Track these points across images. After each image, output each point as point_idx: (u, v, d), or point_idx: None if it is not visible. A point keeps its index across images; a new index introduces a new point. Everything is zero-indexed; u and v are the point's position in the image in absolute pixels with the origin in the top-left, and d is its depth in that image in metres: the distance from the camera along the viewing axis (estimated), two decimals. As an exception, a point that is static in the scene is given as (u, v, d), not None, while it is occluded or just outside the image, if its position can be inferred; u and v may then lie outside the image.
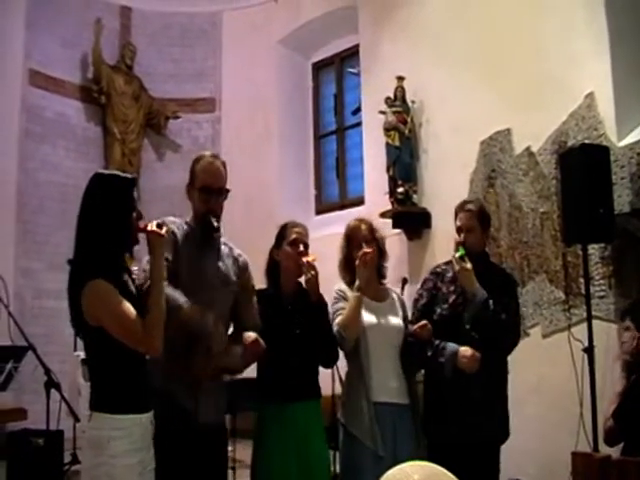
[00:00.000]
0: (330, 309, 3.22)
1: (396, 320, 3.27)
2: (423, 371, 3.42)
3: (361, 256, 3.12)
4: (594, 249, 4.38)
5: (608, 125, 4.43)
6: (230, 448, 3.67)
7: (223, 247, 2.95)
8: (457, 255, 3.21)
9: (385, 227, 5.59)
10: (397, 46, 6.23)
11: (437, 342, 3.15)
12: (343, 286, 3.29)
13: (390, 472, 1.21)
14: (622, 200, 4.28)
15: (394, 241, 5.83)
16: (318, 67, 7.85)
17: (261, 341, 2.80)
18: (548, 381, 4.51)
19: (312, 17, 7.31)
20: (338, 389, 3.39)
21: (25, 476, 4.51)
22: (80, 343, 2.62)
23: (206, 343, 2.54)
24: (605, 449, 3.60)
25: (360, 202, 6.69)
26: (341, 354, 3.24)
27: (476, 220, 3.32)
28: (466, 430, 3.11)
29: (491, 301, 3.15)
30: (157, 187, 7.29)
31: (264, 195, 7.34)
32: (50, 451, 4.61)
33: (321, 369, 3.25)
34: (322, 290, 3.20)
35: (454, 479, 1.18)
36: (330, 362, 3.26)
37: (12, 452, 4.69)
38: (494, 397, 3.22)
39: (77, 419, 4.30)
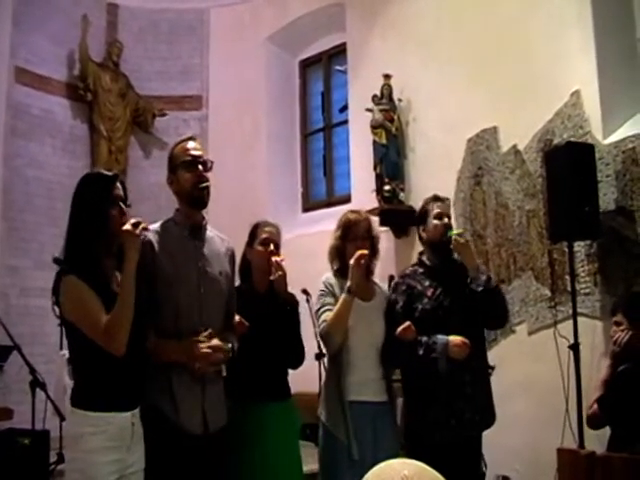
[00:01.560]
0: (316, 301, 3.20)
1: (379, 321, 3.24)
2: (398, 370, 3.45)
3: (357, 258, 3.07)
4: (580, 246, 4.40)
5: (594, 123, 4.45)
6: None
7: (212, 235, 2.90)
8: (455, 232, 3.29)
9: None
10: (384, 44, 6.23)
11: (425, 339, 3.13)
12: (331, 278, 3.24)
13: (377, 468, 1.16)
14: (607, 198, 4.31)
15: (381, 238, 5.82)
16: (306, 65, 7.82)
17: (244, 321, 2.84)
18: (534, 378, 4.53)
19: (300, 14, 7.28)
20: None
21: (11, 476, 4.48)
22: (66, 342, 2.62)
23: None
24: (590, 445, 3.64)
25: (347, 200, 6.67)
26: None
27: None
28: (463, 424, 3.13)
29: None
30: (144, 185, 7.24)
31: (251, 192, 7.32)
32: (36, 451, 4.57)
33: (310, 366, 3.24)
34: (309, 287, 3.19)
35: (440, 477, 1.18)
36: (297, 363, 3.22)
37: (-3, 452, 4.67)
38: (481, 383, 3.26)
39: (63, 418, 4.29)
